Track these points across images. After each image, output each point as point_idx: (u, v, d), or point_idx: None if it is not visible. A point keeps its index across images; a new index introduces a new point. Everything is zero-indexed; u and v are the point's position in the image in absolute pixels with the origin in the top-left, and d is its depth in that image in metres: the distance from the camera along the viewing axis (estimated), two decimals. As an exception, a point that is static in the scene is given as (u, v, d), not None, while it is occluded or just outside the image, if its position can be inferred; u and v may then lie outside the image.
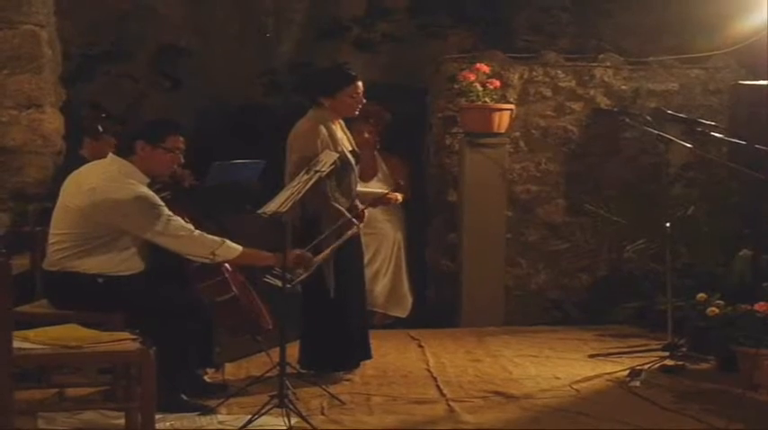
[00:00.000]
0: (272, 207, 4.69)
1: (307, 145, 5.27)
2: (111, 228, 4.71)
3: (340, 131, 5.48)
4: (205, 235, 4.81)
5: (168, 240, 4.75)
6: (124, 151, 4.85)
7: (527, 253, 7.52)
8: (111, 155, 4.92)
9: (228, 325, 5.12)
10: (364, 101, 5.49)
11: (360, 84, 5.42)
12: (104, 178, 4.76)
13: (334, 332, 5.47)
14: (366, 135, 6.57)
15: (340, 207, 5.32)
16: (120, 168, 4.80)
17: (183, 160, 4.98)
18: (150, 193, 4.77)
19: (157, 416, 4.16)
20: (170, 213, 4.76)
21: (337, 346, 5.51)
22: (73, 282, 4.73)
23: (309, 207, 5.21)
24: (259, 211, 4.72)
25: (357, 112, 5.54)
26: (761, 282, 5.92)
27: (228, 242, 4.83)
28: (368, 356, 5.71)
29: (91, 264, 4.73)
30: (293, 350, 5.32)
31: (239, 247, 4.86)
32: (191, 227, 4.79)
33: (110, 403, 4.68)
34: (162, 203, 4.78)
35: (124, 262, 4.79)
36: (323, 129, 5.33)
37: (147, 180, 4.83)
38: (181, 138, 4.92)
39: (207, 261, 4.85)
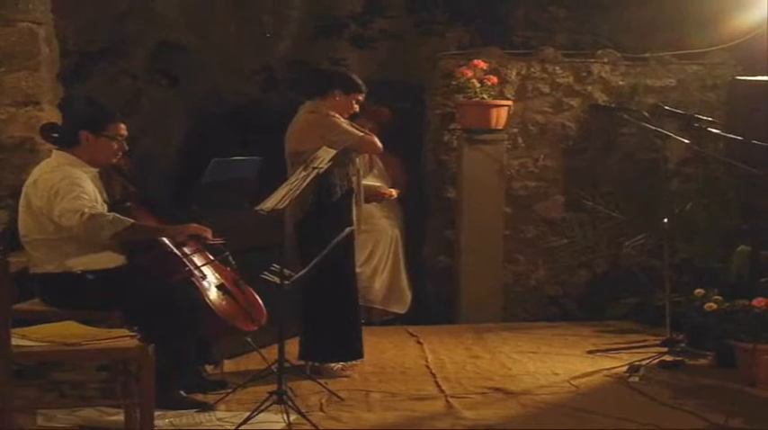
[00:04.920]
0: (269, 204, 4.69)
1: (348, 128, 5.44)
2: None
3: None
4: (92, 213, 4.65)
5: (72, 223, 4.61)
6: (68, 142, 4.85)
7: (525, 249, 7.53)
8: (54, 150, 4.91)
9: (205, 333, 5.07)
10: (356, 109, 5.65)
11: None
12: (44, 171, 4.79)
13: (338, 322, 5.53)
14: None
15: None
16: (60, 160, 4.81)
17: (127, 147, 4.98)
18: (81, 176, 4.72)
19: (156, 413, 4.16)
20: (85, 197, 4.67)
21: (341, 336, 5.56)
22: (64, 283, 4.73)
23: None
24: (257, 208, 4.72)
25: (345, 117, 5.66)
26: (758, 278, 5.94)
27: (114, 215, 4.73)
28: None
29: (75, 263, 4.73)
30: (290, 347, 5.31)
31: (128, 220, 4.76)
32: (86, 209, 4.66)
33: (109, 400, 4.69)
34: (85, 187, 4.70)
35: (106, 256, 4.79)
36: None
37: (92, 169, 4.83)
38: (122, 125, 4.93)
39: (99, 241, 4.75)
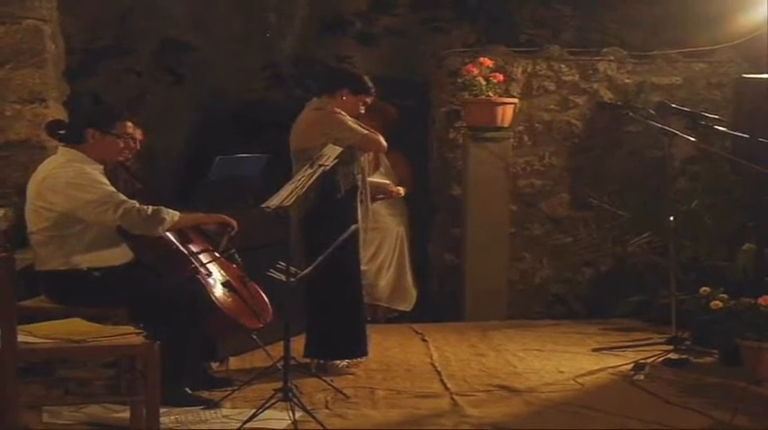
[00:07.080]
0: (275, 201, 4.69)
1: (352, 125, 5.44)
2: (72, 217, 4.71)
3: None
4: (153, 208, 4.77)
5: (116, 218, 4.70)
6: (74, 139, 4.85)
7: (531, 247, 7.53)
8: (60, 147, 4.92)
9: (211, 331, 5.07)
10: (361, 111, 5.61)
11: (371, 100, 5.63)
12: (53, 166, 4.80)
13: (343, 320, 5.52)
14: (370, 130, 6.58)
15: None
16: (68, 156, 4.81)
17: (138, 147, 5.00)
18: (93, 172, 4.75)
19: (162, 410, 4.16)
20: (114, 190, 4.75)
21: (346, 334, 5.55)
22: (69, 280, 4.74)
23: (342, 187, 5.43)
24: (263, 205, 4.72)
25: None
26: (764, 276, 5.92)
27: (165, 209, 4.82)
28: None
29: (81, 260, 4.74)
30: (295, 344, 5.31)
31: (177, 213, 4.86)
32: (135, 203, 4.76)
33: (114, 397, 4.70)
34: (106, 182, 4.76)
35: (112, 253, 4.80)
36: None
37: (98, 166, 4.83)
38: (129, 124, 4.93)
39: (155, 234, 4.84)
